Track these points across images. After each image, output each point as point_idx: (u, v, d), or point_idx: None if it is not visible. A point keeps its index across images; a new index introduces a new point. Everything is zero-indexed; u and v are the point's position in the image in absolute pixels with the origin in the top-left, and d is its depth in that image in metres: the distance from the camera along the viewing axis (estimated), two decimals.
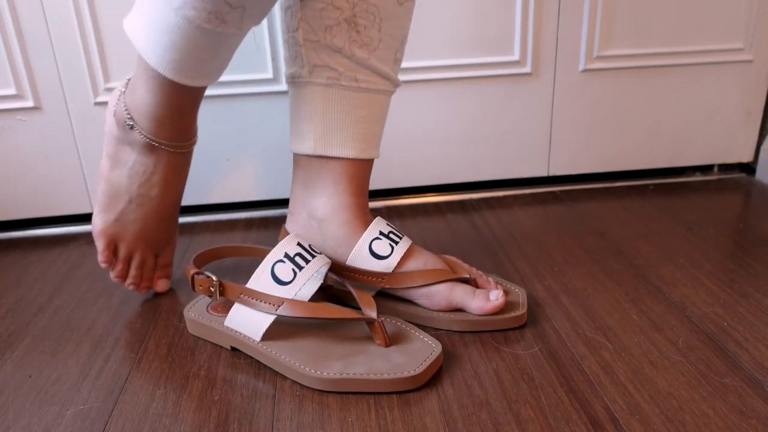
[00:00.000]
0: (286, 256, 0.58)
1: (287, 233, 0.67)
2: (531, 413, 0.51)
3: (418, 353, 0.56)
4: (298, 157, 0.65)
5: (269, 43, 0.87)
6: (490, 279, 0.66)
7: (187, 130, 0.63)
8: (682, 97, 1.00)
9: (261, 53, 0.87)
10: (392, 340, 0.58)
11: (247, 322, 0.58)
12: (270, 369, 0.58)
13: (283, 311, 0.56)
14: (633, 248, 0.79)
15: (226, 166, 0.93)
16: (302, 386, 0.55)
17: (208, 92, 0.88)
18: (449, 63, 0.92)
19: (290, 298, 0.56)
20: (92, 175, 0.91)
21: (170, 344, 0.62)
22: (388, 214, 0.94)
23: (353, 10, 0.57)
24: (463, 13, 0.89)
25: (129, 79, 0.62)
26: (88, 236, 0.90)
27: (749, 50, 0.98)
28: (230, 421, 0.51)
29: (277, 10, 0.85)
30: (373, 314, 0.57)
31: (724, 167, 1.08)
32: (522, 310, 0.63)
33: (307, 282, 0.57)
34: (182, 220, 0.94)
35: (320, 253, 0.61)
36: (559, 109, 0.97)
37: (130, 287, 0.69)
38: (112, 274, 0.68)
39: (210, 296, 0.60)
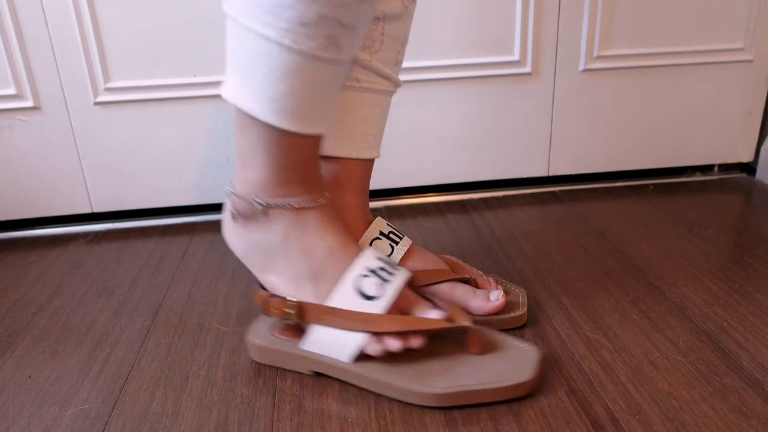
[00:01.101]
0: (369, 270, 0.54)
1: None
2: (531, 413, 0.51)
3: (518, 359, 0.54)
4: None
5: None
6: (490, 279, 0.66)
7: (318, 182, 0.57)
8: (682, 97, 1.00)
9: None
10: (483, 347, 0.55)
11: (333, 344, 0.54)
12: (270, 370, 0.58)
13: (377, 327, 0.52)
14: (633, 248, 0.79)
15: (226, 166, 0.93)
16: (302, 386, 0.55)
17: (208, 92, 0.88)
18: (449, 63, 0.92)
19: (381, 313, 0.52)
20: (92, 175, 0.91)
21: (170, 344, 0.62)
22: (388, 214, 0.94)
23: None
24: (464, 14, 0.89)
25: (230, 191, 0.56)
26: (87, 236, 0.90)
27: (749, 50, 0.98)
28: (230, 421, 0.51)
29: None
30: (467, 322, 0.54)
31: (725, 167, 1.08)
32: (522, 310, 0.63)
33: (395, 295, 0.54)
34: (182, 220, 0.94)
35: (398, 266, 0.57)
36: (559, 109, 0.97)
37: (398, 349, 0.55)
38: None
39: (285, 319, 0.55)
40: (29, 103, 0.86)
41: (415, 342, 0.53)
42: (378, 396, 0.53)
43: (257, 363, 0.59)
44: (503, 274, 0.73)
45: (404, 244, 0.64)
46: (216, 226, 0.92)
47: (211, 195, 0.95)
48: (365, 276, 0.54)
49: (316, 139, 0.53)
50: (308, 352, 0.55)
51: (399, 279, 0.55)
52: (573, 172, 1.02)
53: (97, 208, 0.94)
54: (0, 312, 0.70)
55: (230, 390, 0.55)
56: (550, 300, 0.68)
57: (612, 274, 0.73)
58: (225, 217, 0.58)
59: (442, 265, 0.64)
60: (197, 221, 0.94)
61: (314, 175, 0.56)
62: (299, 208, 0.54)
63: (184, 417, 0.52)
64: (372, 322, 0.52)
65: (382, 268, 0.55)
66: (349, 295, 0.53)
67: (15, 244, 0.89)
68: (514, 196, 0.99)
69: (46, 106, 0.86)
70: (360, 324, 0.52)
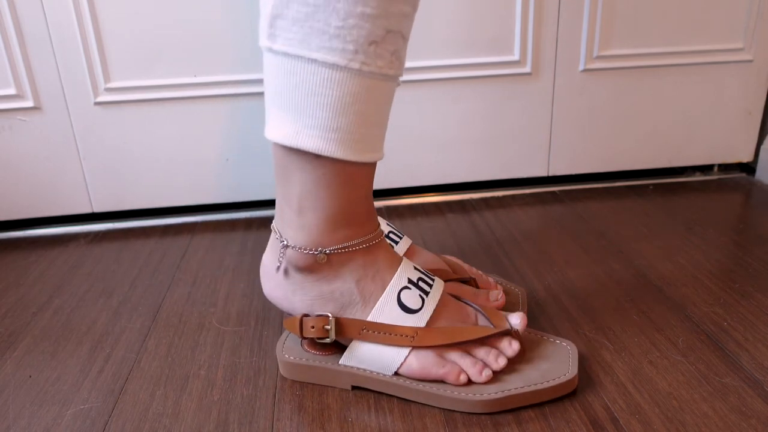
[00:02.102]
0: (410, 281, 0.53)
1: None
2: (531, 413, 0.51)
3: (558, 356, 0.54)
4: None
5: None
6: (490, 279, 0.66)
7: (374, 211, 0.54)
8: (682, 97, 1.00)
9: (261, 53, 0.87)
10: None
11: (376, 358, 0.52)
12: (270, 371, 0.58)
13: (420, 341, 0.51)
14: (633, 248, 0.79)
15: (226, 166, 0.93)
16: (302, 386, 0.55)
17: (208, 92, 0.88)
18: (449, 63, 0.92)
19: (423, 326, 0.52)
20: (92, 175, 0.91)
21: (170, 344, 0.62)
22: (388, 214, 0.94)
23: None
24: (463, 13, 0.89)
25: (283, 244, 0.52)
26: (87, 236, 0.90)
27: (749, 50, 0.98)
28: (230, 421, 0.51)
29: None
30: (507, 325, 0.54)
31: (724, 167, 1.08)
32: (522, 310, 0.63)
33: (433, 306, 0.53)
34: (182, 220, 0.94)
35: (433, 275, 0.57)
36: (559, 109, 0.97)
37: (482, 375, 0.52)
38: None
39: (325, 337, 0.52)
40: (29, 103, 0.86)
41: (511, 350, 0.52)
42: (378, 396, 0.53)
43: (257, 363, 0.59)
44: (503, 274, 0.73)
45: (404, 244, 0.64)
46: (216, 226, 0.92)
47: (211, 195, 0.95)
48: (407, 288, 0.52)
49: (375, 166, 0.51)
50: (348, 367, 0.54)
51: (437, 290, 0.54)
52: (573, 172, 1.02)
53: (97, 208, 0.94)
54: (0, 312, 0.70)
55: (230, 390, 0.55)
56: (550, 300, 0.68)
57: (612, 274, 0.73)
58: (268, 275, 0.54)
59: (441, 265, 0.64)
60: (197, 221, 0.94)
61: (372, 205, 0.53)
62: (368, 247, 0.52)
63: (184, 417, 0.52)
64: (415, 336, 0.51)
65: (421, 279, 0.54)
66: (391, 308, 0.52)
67: (15, 244, 0.89)
68: (513, 196, 0.99)
69: (46, 106, 0.86)
70: (402, 339, 0.51)
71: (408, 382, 0.52)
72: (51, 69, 0.84)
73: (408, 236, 0.69)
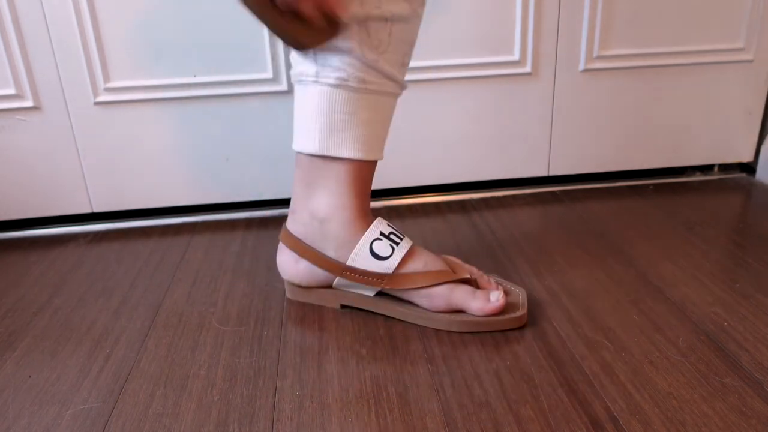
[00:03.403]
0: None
1: (288, 232, 0.67)
2: (531, 413, 0.51)
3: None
4: (300, 157, 0.65)
5: (269, 43, 0.87)
6: (490, 279, 0.66)
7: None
8: (682, 97, 1.00)
9: (261, 53, 0.87)
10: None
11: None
12: (269, 369, 0.58)
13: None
14: (633, 248, 0.79)
15: (226, 166, 0.93)
16: (302, 386, 0.55)
17: (208, 92, 0.88)
18: (449, 63, 0.92)
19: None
20: (92, 175, 0.91)
21: (170, 344, 0.62)
22: (388, 214, 0.94)
23: (368, 14, 0.57)
24: (463, 13, 0.89)
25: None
26: (87, 236, 0.90)
27: (749, 50, 0.98)
28: (230, 421, 0.51)
29: None
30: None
31: (724, 167, 1.08)
32: (522, 311, 0.63)
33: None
34: (182, 220, 0.94)
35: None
36: (559, 109, 0.97)
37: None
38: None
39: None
40: (29, 103, 0.86)
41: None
42: (378, 396, 0.54)
43: (257, 363, 0.59)
44: (503, 275, 0.73)
45: (405, 245, 0.64)
46: (216, 226, 0.92)
47: (211, 195, 0.95)
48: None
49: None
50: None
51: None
52: (573, 172, 1.02)
53: (97, 208, 0.94)
54: (0, 312, 0.70)
55: (230, 390, 0.55)
56: (550, 300, 0.68)
57: (612, 274, 0.73)
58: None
59: (442, 266, 0.64)
60: (197, 221, 0.94)
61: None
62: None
63: (184, 417, 0.52)
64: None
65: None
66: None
67: (15, 244, 0.89)
68: (514, 196, 0.99)
69: (46, 106, 0.86)
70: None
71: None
72: (51, 69, 0.84)
73: (408, 236, 0.68)
